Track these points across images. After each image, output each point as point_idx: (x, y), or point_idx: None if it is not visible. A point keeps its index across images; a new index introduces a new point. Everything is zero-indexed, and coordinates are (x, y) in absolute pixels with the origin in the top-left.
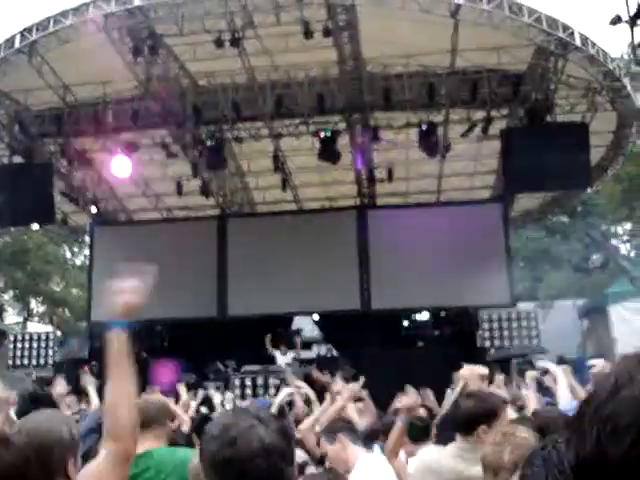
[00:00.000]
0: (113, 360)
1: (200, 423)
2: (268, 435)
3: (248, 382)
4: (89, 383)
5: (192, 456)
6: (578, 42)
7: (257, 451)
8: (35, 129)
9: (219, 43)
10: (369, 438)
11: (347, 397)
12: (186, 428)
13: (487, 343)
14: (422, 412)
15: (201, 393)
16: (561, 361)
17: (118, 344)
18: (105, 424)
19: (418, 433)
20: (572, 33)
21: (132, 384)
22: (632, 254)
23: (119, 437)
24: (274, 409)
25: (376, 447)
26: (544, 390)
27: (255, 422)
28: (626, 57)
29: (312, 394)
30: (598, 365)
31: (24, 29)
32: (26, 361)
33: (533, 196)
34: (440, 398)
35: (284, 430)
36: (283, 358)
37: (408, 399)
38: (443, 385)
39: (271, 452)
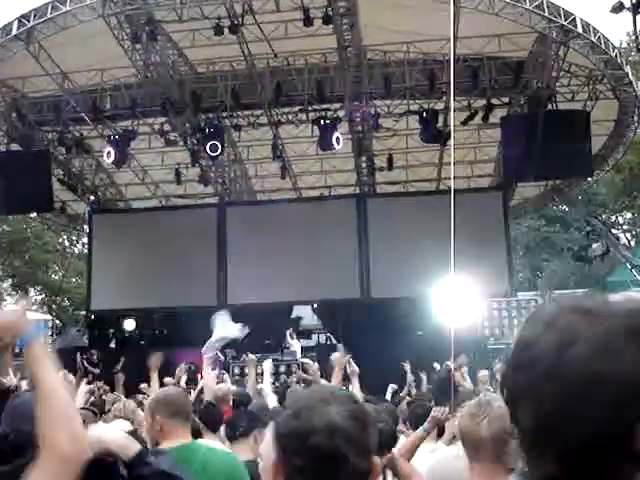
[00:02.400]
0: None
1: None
2: (337, 415)
3: (247, 370)
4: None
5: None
6: (580, 29)
7: (319, 428)
8: (33, 116)
9: (218, 30)
10: None
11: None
12: None
13: (487, 332)
14: None
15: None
16: None
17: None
18: None
19: None
20: (574, 20)
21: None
22: (632, 243)
23: None
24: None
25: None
26: None
27: (329, 399)
28: (625, 45)
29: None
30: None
31: (21, 15)
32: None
33: (533, 185)
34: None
35: (359, 415)
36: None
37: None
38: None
39: (334, 433)
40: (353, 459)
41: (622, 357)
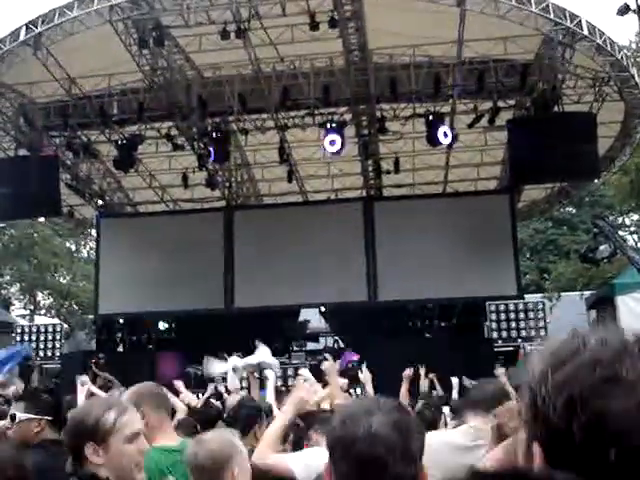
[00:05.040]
0: None
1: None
2: (379, 424)
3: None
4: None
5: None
6: (586, 31)
7: (361, 437)
8: (41, 122)
9: (225, 34)
10: None
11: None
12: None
13: (494, 334)
14: None
15: (211, 387)
16: None
17: None
18: None
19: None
20: (580, 22)
21: None
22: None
23: None
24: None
25: None
26: None
27: (373, 409)
28: (634, 47)
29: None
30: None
31: (29, 21)
32: (33, 354)
33: (540, 187)
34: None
35: (401, 424)
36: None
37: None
38: (450, 375)
39: (375, 441)
40: (395, 466)
41: None
